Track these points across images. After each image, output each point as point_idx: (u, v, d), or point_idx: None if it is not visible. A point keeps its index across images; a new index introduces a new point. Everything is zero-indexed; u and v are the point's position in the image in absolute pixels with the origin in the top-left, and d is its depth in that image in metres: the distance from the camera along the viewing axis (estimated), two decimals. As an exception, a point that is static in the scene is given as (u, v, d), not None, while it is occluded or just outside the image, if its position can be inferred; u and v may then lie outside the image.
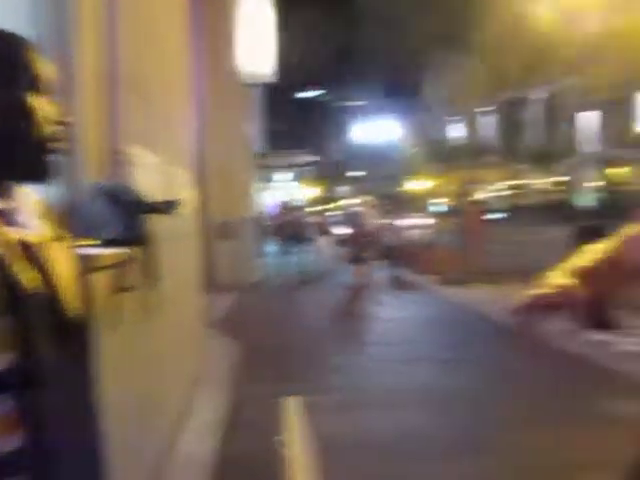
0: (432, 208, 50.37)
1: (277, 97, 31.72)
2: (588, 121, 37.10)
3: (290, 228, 13.57)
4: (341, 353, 6.33)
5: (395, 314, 8.44)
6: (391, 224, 13.69)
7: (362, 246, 8.32)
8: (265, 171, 23.71)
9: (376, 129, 42.64)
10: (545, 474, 3.19)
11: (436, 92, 11.64)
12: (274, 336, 7.01)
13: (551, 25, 8.97)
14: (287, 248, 13.46)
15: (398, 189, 50.84)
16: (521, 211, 43.21)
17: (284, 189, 34.51)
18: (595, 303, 1.04)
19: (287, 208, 15.84)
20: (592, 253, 1.04)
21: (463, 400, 4.43)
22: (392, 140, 41.49)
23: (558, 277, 0.95)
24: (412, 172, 49.26)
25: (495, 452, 3.40)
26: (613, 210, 9.12)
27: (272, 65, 14.08)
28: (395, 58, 11.53)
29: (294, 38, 23.05)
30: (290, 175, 38.92)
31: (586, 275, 0.97)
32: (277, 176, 36.67)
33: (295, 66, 28.33)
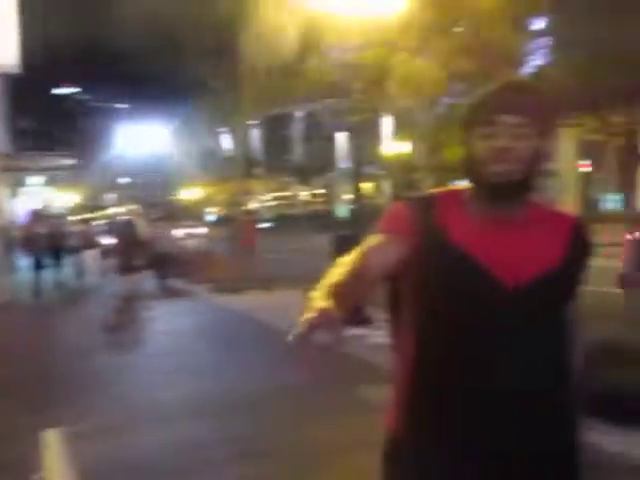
0: (206, 217, 50.42)
1: (27, 92, 28.13)
2: (343, 140, 41.53)
3: (46, 239, 12.13)
4: (109, 371, 5.88)
5: (167, 324, 8.19)
6: (162, 232, 13.44)
7: (132, 255, 7.92)
8: (12, 175, 20.68)
9: (144, 134, 40.76)
10: (318, 458, 3.44)
11: (206, 102, 11.74)
12: (30, 362, 6.17)
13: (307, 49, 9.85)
14: (42, 261, 11.99)
15: (171, 197, 49.68)
16: (287, 220, 46.14)
17: (40, 195, 30.65)
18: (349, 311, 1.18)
19: (41, 216, 14.15)
20: (341, 266, 1.18)
21: (237, 406, 4.51)
22: (162, 147, 40.22)
23: (318, 300, 1.07)
24: (185, 180, 48.63)
25: (272, 449, 3.55)
26: (363, 221, 10.34)
27: (14, 54, 12.44)
28: (164, 63, 11.22)
29: (45, 28, 20.66)
30: (43, 179, 34.84)
31: (337, 293, 1.10)
32: (31, 180, 32.49)
33: (48, 59, 25.44)
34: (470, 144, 1.21)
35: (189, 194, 46.39)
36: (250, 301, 10.01)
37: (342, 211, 44.84)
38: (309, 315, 1.02)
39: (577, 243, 1.26)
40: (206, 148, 46.58)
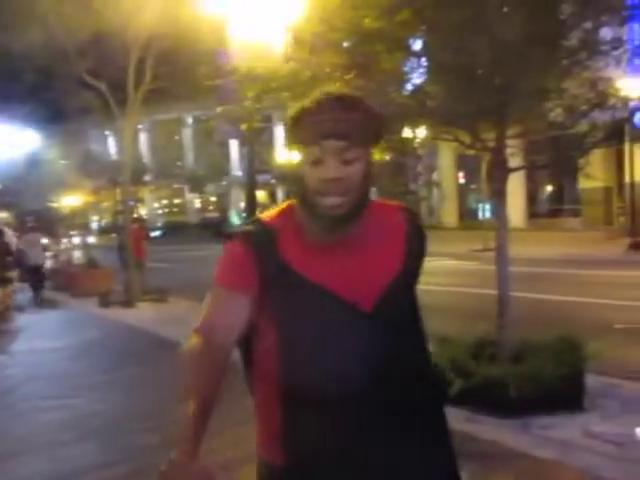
0: (91, 225, 47.45)
1: None
2: (237, 147, 41.21)
3: None
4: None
5: (46, 341, 7.62)
6: (38, 242, 12.67)
7: (4, 266, 7.30)
8: None
9: (14, 137, 36.75)
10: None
11: (88, 102, 11.03)
12: None
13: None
14: None
15: (50, 204, 46.18)
16: (179, 229, 44.79)
17: None
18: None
19: None
20: (189, 366, 1.23)
21: (131, 424, 4.31)
22: (37, 150, 36.84)
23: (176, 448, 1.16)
24: (65, 187, 45.45)
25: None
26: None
27: None
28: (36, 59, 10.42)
29: None
30: None
31: (197, 421, 1.18)
32: None
33: None
34: (301, 167, 1.15)
35: (71, 201, 43.33)
36: (139, 314, 9.60)
37: (235, 219, 44.41)
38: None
39: (412, 234, 1.26)
40: (90, 152, 44.01)
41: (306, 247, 1.18)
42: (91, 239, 20.47)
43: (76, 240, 18.88)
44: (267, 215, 1.25)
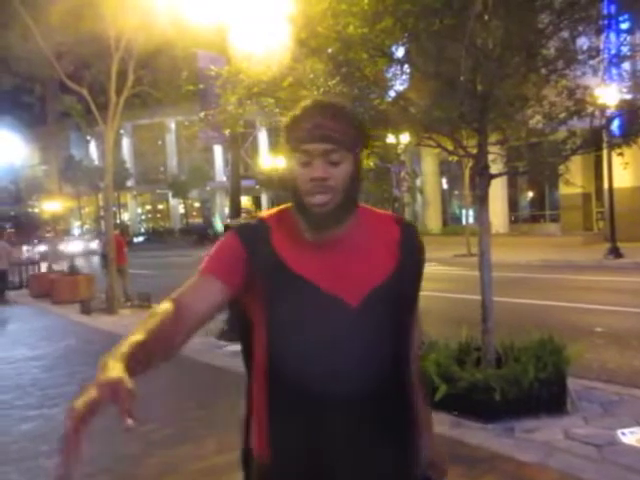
0: (72, 231, 46.88)
1: None
2: (221, 153, 41.08)
3: None
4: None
5: (27, 350, 7.49)
6: (4, 249, 12.85)
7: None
8: None
9: None
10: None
11: (68, 106, 10.88)
12: None
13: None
14: None
15: (28, 210, 45.53)
16: (162, 234, 44.46)
17: None
18: None
19: None
20: (151, 317, 1.16)
21: (111, 433, 4.25)
22: (15, 154, 36.04)
23: (108, 366, 0.97)
24: (45, 192, 44.87)
25: (151, 473, 3.39)
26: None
27: None
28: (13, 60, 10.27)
29: None
30: None
31: (136, 353, 1.07)
32: None
33: None
34: (291, 168, 1.23)
35: (51, 206, 42.70)
36: (121, 321, 9.49)
37: (220, 225, 44.21)
38: (91, 388, 0.92)
39: (409, 245, 1.31)
40: (71, 157, 43.50)
41: (298, 244, 1.24)
42: (77, 244, 20.23)
43: (56, 245, 18.67)
44: (265, 213, 1.32)
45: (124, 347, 1.05)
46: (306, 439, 1.19)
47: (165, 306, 1.17)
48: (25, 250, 18.77)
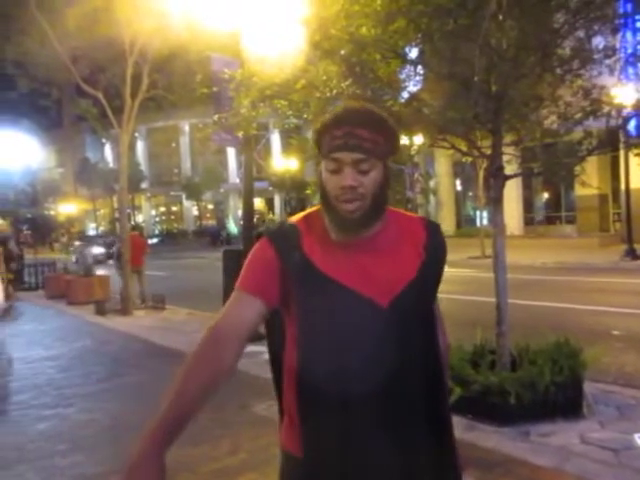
0: (88, 232, 47.34)
1: None
2: (234, 155, 41.25)
3: None
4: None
5: (43, 350, 7.58)
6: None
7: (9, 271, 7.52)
8: None
9: (5, 144, 36.05)
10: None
11: (84, 110, 11.04)
12: None
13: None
14: None
15: (45, 212, 46.10)
16: (176, 236, 44.74)
17: None
18: None
19: None
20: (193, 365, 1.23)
21: (126, 433, 4.29)
22: (32, 157, 36.35)
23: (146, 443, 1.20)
24: (60, 194, 45.40)
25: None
26: (252, 236, 10.35)
27: None
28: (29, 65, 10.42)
29: None
30: None
31: (179, 417, 1.21)
32: None
33: None
34: (322, 173, 1.24)
35: (67, 208, 43.19)
36: (136, 322, 9.57)
37: (232, 226, 44.37)
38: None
39: (433, 244, 1.33)
40: (87, 160, 43.98)
41: (328, 247, 1.25)
42: (94, 247, 20.48)
43: (73, 246, 18.91)
44: (294, 218, 1.34)
45: (158, 435, 1.18)
46: (340, 439, 1.21)
47: (202, 343, 1.22)
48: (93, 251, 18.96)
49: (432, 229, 1.36)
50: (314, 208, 1.33)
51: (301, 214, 1.35)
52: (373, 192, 1.21)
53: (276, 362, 1.37)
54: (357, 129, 1.19)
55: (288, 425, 1.29)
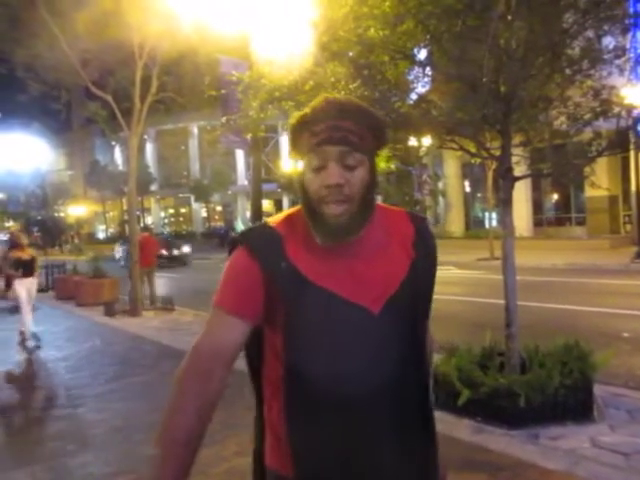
0: (97, 235, 47.68)
1: None
2: (242, 157, 41.38)
3: None
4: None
5: (52, 351, 7.63)
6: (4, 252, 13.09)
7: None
8: None
9: (19, 146, 35.98)
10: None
11: (93, 112, 11.10)
12: None
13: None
14: None
15: (55, 214, 46.47)
16: (185, 238, 44.90)
17: None
18: None
19: None
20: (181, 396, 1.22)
21: (135, 434, 4.31)
22: (42, 159, 36.52)
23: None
24: (70, 197, 45.73)
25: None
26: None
27: None
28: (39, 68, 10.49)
29: None
30: None
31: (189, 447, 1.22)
32: None
33: None
34: (303, 173, 1.15)
35: (76, 210, 43.46)
36: (145, 323, 9.61)
37: (240, 227, 44.38)
38: None
39: (421, 240, 1.25)
40: (96, 162, 44.27)
41: (314, 252, 1.16)
42: (100, 248, 20.56)
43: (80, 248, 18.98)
44: (273, 220, 1.23)
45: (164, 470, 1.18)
46: (333, 448, 1.15)
47: (189, 377, 1.17)
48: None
49: (419, 224, 1.27)
50: (294, 208, 1.23)
51: (280, 215, 1.24)
52: (360, 194, 1.11)
53: (256, 378, 1.29)
54: (340, 121, 1.10)
55: (273, 444, 1.21)
